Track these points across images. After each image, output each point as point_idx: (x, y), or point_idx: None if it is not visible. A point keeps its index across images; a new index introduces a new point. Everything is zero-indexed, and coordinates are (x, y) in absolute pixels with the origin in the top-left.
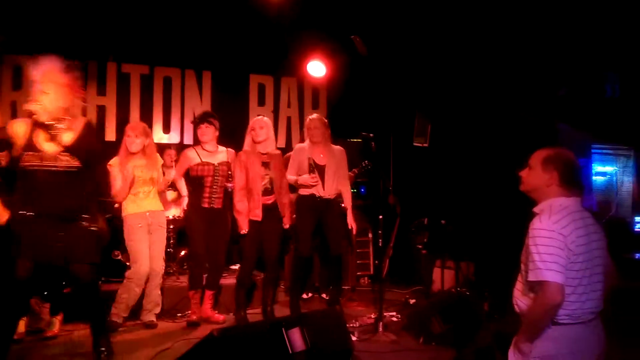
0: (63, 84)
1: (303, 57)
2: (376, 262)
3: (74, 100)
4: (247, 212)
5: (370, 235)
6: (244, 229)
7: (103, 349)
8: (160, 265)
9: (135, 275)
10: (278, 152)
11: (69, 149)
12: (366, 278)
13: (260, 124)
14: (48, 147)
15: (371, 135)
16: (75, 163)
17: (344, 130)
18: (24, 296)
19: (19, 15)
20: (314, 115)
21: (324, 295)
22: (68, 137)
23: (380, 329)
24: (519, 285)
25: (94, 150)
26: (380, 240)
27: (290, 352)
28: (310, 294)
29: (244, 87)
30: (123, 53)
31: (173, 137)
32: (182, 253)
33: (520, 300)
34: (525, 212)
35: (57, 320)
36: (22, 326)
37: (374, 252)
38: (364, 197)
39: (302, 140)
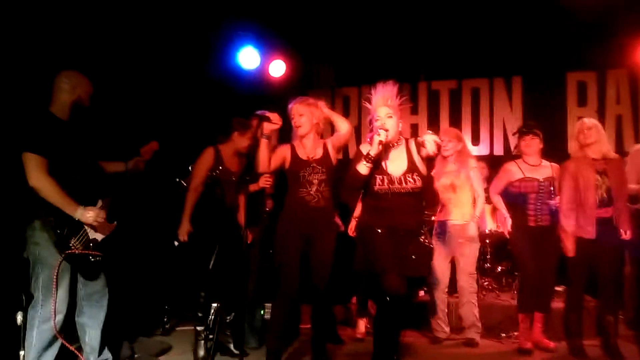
0: (398, 108)
1: (633, 43)
2: None
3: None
4: (574, 231)
5: None
6: (571, 252)
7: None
8: (467, 281)
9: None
10: (616, 156)
11: (413, 170)
12: None
13: (588, 124)
14: (393, 169)
15: None
16: (418, 184)
17: None
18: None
19: (344, 52)
20: None
21: None
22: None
23: None
24: None
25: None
26: None
27: None
28: None
29: (559, 88)
30: (432, 71)
31: (482, 149)
32: (500, 269)
33: None
34: None
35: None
36: (362, 326)
37: None
38: None
39: None
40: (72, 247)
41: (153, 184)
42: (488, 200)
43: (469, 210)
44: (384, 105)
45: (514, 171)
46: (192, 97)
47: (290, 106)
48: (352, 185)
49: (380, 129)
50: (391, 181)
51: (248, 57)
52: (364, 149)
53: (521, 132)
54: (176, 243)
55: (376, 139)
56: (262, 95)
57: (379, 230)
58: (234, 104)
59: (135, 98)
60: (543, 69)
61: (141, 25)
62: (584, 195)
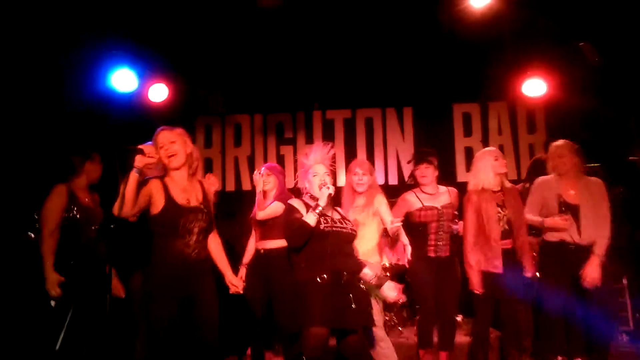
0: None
1: (512, 77)
2: (637, 314)
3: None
4: (479, 266)
5: (625, 281)
6: (478, 289)
7: None
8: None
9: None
10: (511, 185)
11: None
12: (623, 335)
13: (501, 154)
14: (331, 214)
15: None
16: (355, 228)
17: None
18: None
19: (234, 77)
20: (560, 142)
21: None
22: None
23: None
24: None
25: None
26: None
27: None
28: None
29: (447, 119)
30: (327, 100)
31: (377, 179)
32: (400, 301)
33: None
34: None
35: None
36: None
37: (632, 302)
38: None
39: (536, 172)
40: None
41: None
42: (385, 232)
43: (371, 247)
44: (322, 164)
45: (412, 201)
46: (49, 126)
47: (156, 135)
48: (300, 236)
49: (324, 185)
50: (333, 221)
51: (123, 79)
52: (296, 204)
53: (415, 161)
54: (52, 303)
55: (325, 192)
56: (139, 122)
57: (319, 280)
58: (105, 134)
59: None
60: (431, 100)
61: None
62: (488, 228)
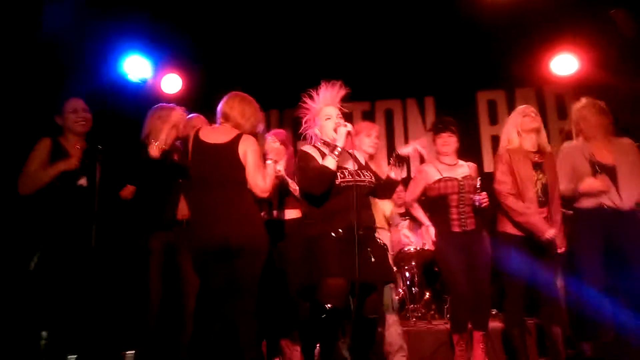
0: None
1: (539, 61)
2: None
3: None
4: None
5: None
6: (547, 232)
7: None
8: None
9: None
10: (550, 149)
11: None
12: None
13: (532, 109)
14: (348, 165)
15: None
16: (374, 180)
17: None
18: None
19: (248, 73)
20: (584, 101)
21: None
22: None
23: None
24: None
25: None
26: None
27: None
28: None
29: (471, 107)
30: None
31: (401, 172)
32: (427, 295)
33: None
34: None
35: None
36: None
37: None
38: None
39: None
40: None
41: None
42: (407, 213)
43: (382, 219)
44: (333, 105)
45: (430, 172)
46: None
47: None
48: (322, 183)
49: (340, 125)
50: (350, 173)
51: (136, 66)
52: (310, 151)
53: (437, 129)
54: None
55: (343, 130)
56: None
57: (333, 235)
58: (112, 123)
59: None
60: (454, 88)
61: None
62: (522, 188)
